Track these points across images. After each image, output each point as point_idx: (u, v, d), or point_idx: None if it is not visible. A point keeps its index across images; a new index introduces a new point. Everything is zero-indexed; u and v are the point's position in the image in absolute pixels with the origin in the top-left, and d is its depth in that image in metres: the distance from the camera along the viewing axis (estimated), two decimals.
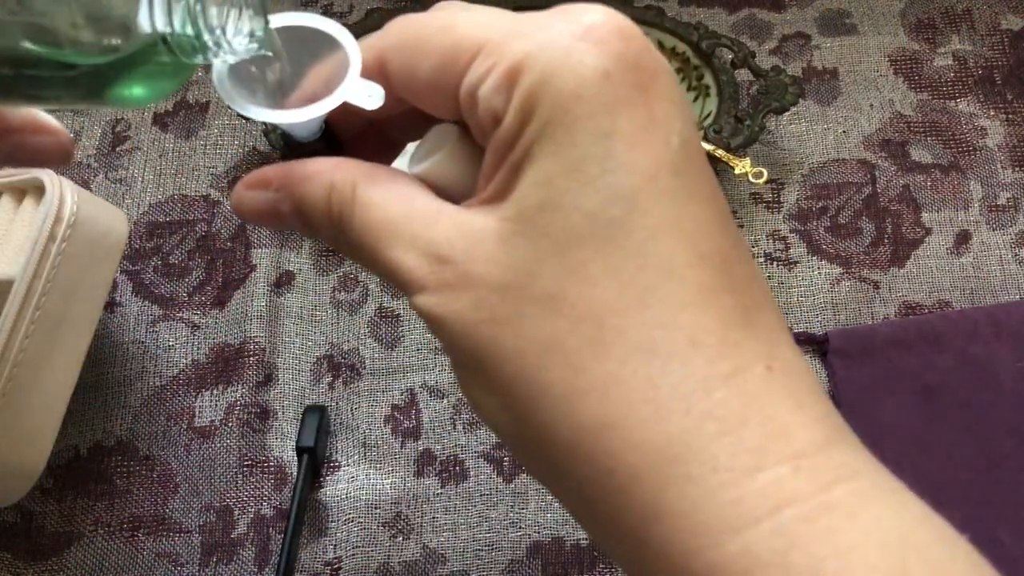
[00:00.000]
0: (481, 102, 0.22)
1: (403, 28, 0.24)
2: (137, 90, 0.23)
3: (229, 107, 0.49)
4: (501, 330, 0.22)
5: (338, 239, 0.24)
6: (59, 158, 0.27)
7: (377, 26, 0.51)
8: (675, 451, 0.20)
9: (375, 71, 0.24)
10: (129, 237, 0.45)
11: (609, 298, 0.21)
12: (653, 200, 0.21)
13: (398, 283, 0.23)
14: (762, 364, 0.21)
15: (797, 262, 0.49)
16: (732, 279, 0.22)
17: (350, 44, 0.24)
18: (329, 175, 0.24)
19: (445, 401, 0.46)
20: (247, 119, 0.24)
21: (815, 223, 0.50)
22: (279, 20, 0.24)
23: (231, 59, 0.23)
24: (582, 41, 0.21)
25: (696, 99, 0.50)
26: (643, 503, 0.20)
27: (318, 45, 0.24)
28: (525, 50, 0.21)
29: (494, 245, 0.22)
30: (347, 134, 0.27)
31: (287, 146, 0.25)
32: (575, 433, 0.21)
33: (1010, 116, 0.53)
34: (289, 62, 0.25)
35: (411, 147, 0.26)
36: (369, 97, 0.24)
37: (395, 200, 0.23)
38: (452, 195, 0.24)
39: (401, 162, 0.26)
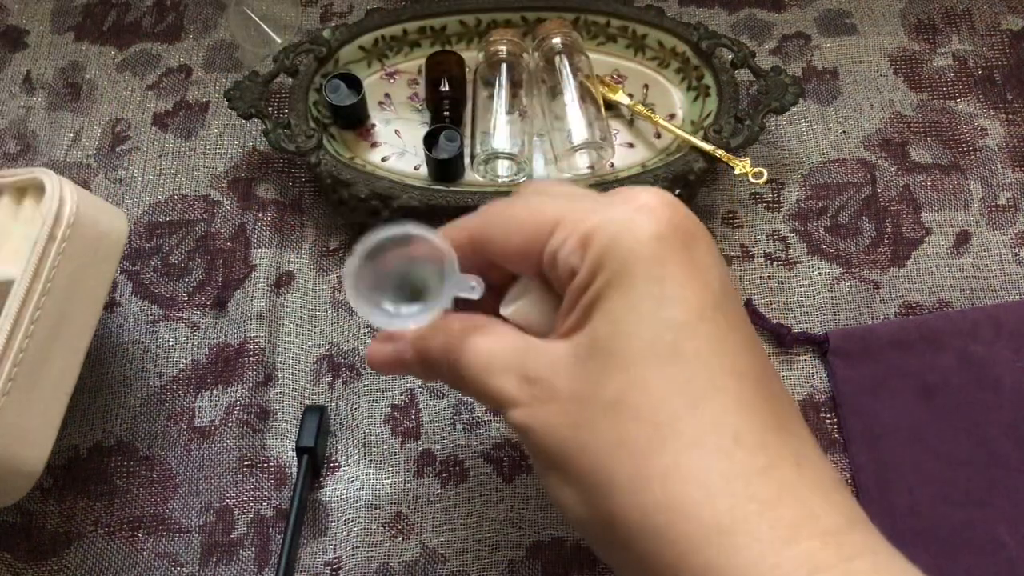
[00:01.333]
0: (560, 261, 0.29)
1: (499, 212, 0.31)
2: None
3: (232, 112, 0.50)
4: (579, 432, 0.27)
5: (451, 376, 0.31)
6: None
7: (377, 26, 0.51)
8: (725, 525, 0.24)
9: (469, 246, 0.32)
10: (129, 237, 0.45)
11: (665, 404, 0.26)
12: (699, 329, 0.27)
13: (498, 403, 0.29)
14: (792, 461, 0.26)
15: (797, 262, 0.49)
16: (766, 393, 0.27)
17: (447, 249, 0.31)
18: (444, 329, 0.31)
19: (445, 401, 0.46)
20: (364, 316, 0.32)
21: (815, 223, 0.50)
22: (389, 231, 0.31)
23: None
24: (638, 213, 0.28)
25: (696, 99, 0.50)
26: (702, 569, 0.24)
27: (419, 246, 0.31)
28: (595, 222, 0.28)
29: (572, 365, 0.28)
30: None
31: None
32: (641, 513, 0.26)
33: (1010, 116, 0.53)
34: (399, 262, 0.32)
35: None
36: (472, 289, 0.31)
37: (494, 342, 0.30)
38: (534, 332, 0.31)
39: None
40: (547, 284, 0.31)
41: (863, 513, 0.26)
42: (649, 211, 0.28)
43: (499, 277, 0.33)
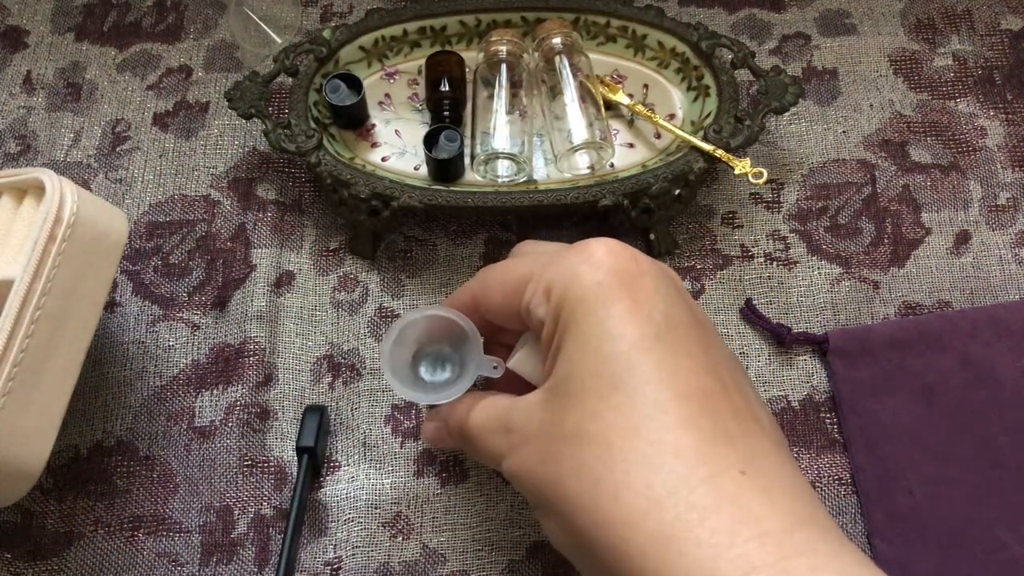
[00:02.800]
0: (532, 314, 0.33)
1: (484, 273, 0.37)
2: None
3: (232, 112, 0.50)
4: (547, 466, 0.30)
5: (465, 446, 0.36)
6: None
7: (377, 26, 0.51)
8: (669, 533, 0.27)
9: (470, 305, 0.37)
10: (129, 237, 0.45)
11: (614, 428, 0.29)
12: (640, 358, 0.29)
13: (494, 459, 0.34)
14: (736, 469, 0.28)
15: (797, 262, 0.49)
16: (713, 411, 0.29)
17: (472, 331, 0.36)
18: (455, 410, 0.37)
19: None
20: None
21: (815, 223, 0.50)
22: (424, 311, 0.36)
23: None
24: (584, 264, 0.31)
25: (696, 99, 0.50)
26: (653, 573, 0.27)
27: (446, 326, 0.37)
28: (552, 275, 0.32)
29: (541, 410, 0.31)
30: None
31: None
32: (600, 530, 0.28)
33: (1010, 116, 0.53)
34: (430, 339, 0.38)
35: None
36: (495, 368, 0.36)
37: (484, 409, 0.35)
38: (535, 380, 0.35)
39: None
40: (536, 335, 0.34)
41: (820, 514, 0.28)
42: (592, 260, 0.31)
43: (504, 334, 0.38)
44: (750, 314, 0.47)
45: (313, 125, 0.48)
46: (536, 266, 0.34)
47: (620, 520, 0.27)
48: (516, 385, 0.36)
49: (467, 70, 0.51)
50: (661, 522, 0.27)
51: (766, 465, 0.29)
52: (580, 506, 0.29)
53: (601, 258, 0.31)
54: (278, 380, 0.47)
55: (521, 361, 0.36)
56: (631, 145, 0.50)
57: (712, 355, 0.31)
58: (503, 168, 0.48)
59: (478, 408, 0.35)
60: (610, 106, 0.51)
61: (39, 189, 0.40)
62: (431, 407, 0.43)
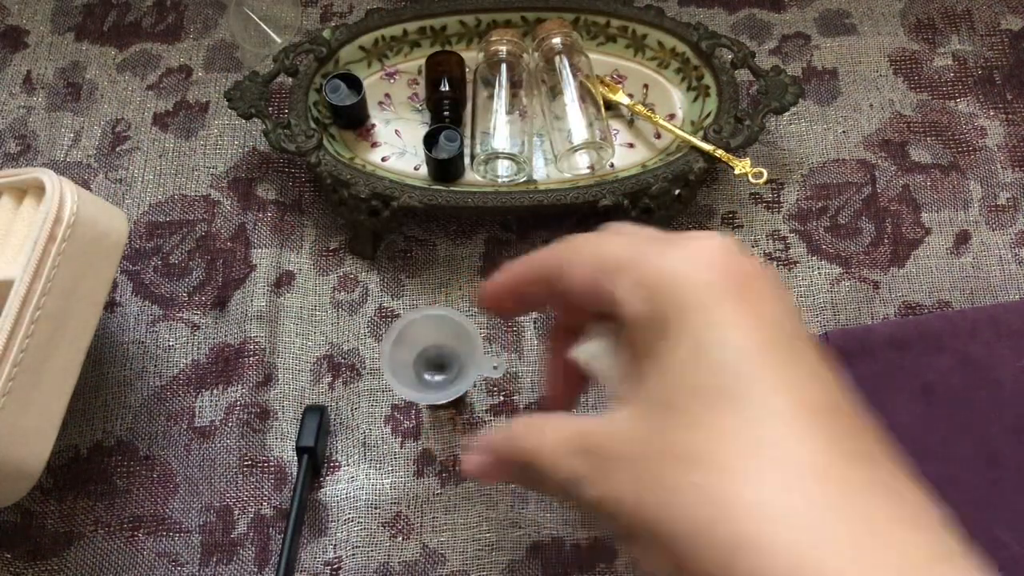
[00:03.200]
0: (622, 306, 0.29)
1: (573, 242, 0.33)
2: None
3: (232, 112, 0.50)
4: (647, 490, 0.27)
5: (528, 476, 0.32)
6: None
7: (377, 26, 0.51)
8: (797, 563, 0.24)
9: (543, 270, 0.33)
10: (129, 237, 0.45)
11: (727, 447, 0.26)
12: (758, 369, 0.26)
13: (572, 485, 0.29)
14: (870, 492, 0.25)
15: (797, 262, 0.49)
16: (841, 428, 0.27)
17: (472, 330, 0.36)
18: (509, 436, 0.32)
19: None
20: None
21: (815, 223, 0.50)
22: (424, 311, 0.37)
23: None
24: (692, 259, 0.28)
25: (696, 99, 0.50)
26: None
27: (446, 326, 0.37)
28: (653, 270, 0.29)
29: (631, 426, 0.28)
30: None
31: None
32: (716, 555, 0.25)
33: (1010, 116, 0.53)
34: (430, 339, 0.37)
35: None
36: (494, 368, 0.36)
37: (555, 432, 0.30)
38: (602, 376, 0.31)
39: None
40: (615, 328, 0.31)
41: (955, 545, 0.26)
42: (701, 259, 0.28)
43: (574, 316, 0.35)
44: None
45: (313, 125, 0.48)
46: (633, 251, 0.30)
47: (738, 546, 0.25)
48: (557, 398, 0.35)
49: (467, 70, 0.51)
50: (790, 551, 0.24)
51: (900, 488, 0.27)
52: (691, 532, 0.25)
53: (713, 256, 0.28)
54: (278, 380, 0.47)
55: (595, 356, 0.32)
56: (631, 145, 0.50)
57: (828, 369, 0.29)
58: (503, 168, 0.48)
59: (545, 433, 0.31)
60: (610, 106, 0.51)
61: (39, 189, 0.40)
62: (432, 409, 0.43)
